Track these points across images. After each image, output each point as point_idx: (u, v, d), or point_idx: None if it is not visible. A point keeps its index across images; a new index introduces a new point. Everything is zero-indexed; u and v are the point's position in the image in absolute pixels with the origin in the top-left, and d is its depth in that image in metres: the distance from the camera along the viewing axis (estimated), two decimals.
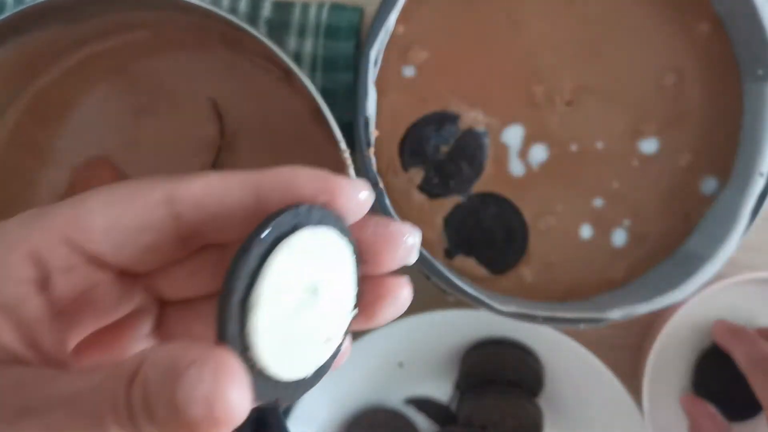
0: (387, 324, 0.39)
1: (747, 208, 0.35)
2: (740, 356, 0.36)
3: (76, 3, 0.35)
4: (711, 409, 0.37)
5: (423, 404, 0.45)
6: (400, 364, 0.43)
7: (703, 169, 0.38)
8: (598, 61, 0.37)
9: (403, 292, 0.18)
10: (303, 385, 0.16)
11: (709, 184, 0.38)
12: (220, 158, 0.39)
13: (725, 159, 0.37)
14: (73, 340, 0.17)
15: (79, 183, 0.40)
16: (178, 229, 0.16)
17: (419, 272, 0.36)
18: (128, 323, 0.18)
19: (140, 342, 0.18)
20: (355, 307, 0.17)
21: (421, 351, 0.42)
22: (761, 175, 0.35)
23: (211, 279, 0.18)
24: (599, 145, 0.38)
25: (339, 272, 0.16)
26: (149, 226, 0.16)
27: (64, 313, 0.16)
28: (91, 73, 0.40)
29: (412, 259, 0.17)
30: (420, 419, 0.44)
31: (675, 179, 0.38)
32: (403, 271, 0.18)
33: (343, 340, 0.17)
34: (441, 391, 0.45)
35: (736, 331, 0.37)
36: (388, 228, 0.17)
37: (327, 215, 0.16)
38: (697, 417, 0.36)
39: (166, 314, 0.18)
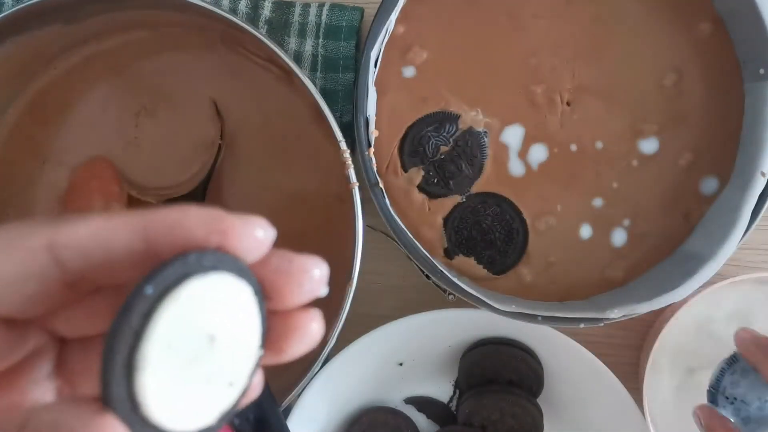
0: (387, 324, 0.39)
1: (747, 208, 0.34)
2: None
3: (76, 3, 0.35)
4: (729, 423, 0.35)
5: (423, 404, 0.45)
6: (400, 364, 0.43)
7: (703, 169, 0.38)
8: (598, 61, 0.37)
9: (311, 326, 0.17)
10: (207, 431, 0.16)
11: (709, 184, 0.38)
12: (219, 158, 0.39)
13: (725, 159, 0.37)
14: None
15: (79, 183, 0.40)
16: (63, 275, 0.15)
17: (419, 272, 0.36)
18: (25, 366, 0.17)
19: (40, 383, 0.17)
20: (262, 346, 0.17)
21: (421, 351, 0.42)
22: (762, 174, 0.35)
23: (109, 317, 0.17)
24: (599, 145, 0.38)
25: (239, 315, 0.16)
26: (31, 276, 0.15)
27: None
28: (91, 73, 0.40)
29: (323, 291, 0.17)
30: (420, 419, 0.44)
31: (675, 179, 0.38)
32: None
33: (249, 380, 0.17)
34: (441, 391, 0.45)
35: (765, 345, 0.34)
36: (291, 263, 0.16)
37: (221, 259, 0.15)
38: (714, 430, 0.35)
39: (66, 351, 0.17)
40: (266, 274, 0.16)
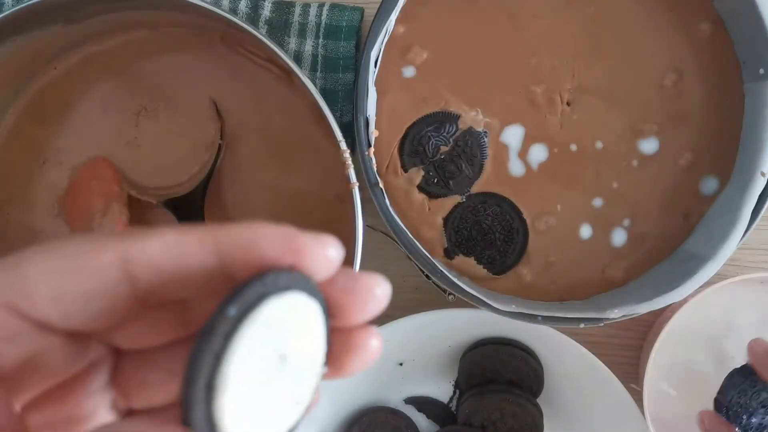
0: (387, 324, 0.39)
1: (747, 208, 0.34)
2: None
3: (76, 3, 0.35)
4: (732, 429, 0.35)
5: (423, 404, 0.45)
6: (400, 364, 0.43)
7: (703, 169, 0.38)
8: (598, 61, 0.37)
9: (371, 343, 0.17)
10: None
11: (709, 184, 0.38)
12: (219, 158, 0.39)
13: (725, 159, 0.37)
14: (21, 402, 0.16)
15: (79, 183, 0.40)
16: (134, 290, 0.15)
17: (419, 272, 0.36)
18: (82, 377, 0.17)
19: (95, 395, 0.17)
20: (326, 363, 0.17)
21: (421, 351, 0.42)
22: (762, 174, 0.35)
23: (169, 331, 0.17)
24: (599, 145, 0.38)
25: (309, 335, 0.16)
26: (101, 291, 0.15)
27: (9, 379, 0.15)
28: (91, 73, 0.40)
29: (381, 308, 0.17)
30: (420, 419, 0.44)
31: (675, 179, 0.38)
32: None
33: (312, 397, 0.17)
34: (441, 391, 0.45)
35: None
36: (357, 282, 0.16)
37: (295, 278, 0.15)
38: None
39: (122, 363, 0.17)
40: (332, 293, 0.16)
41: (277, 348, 0.15)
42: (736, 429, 0.34)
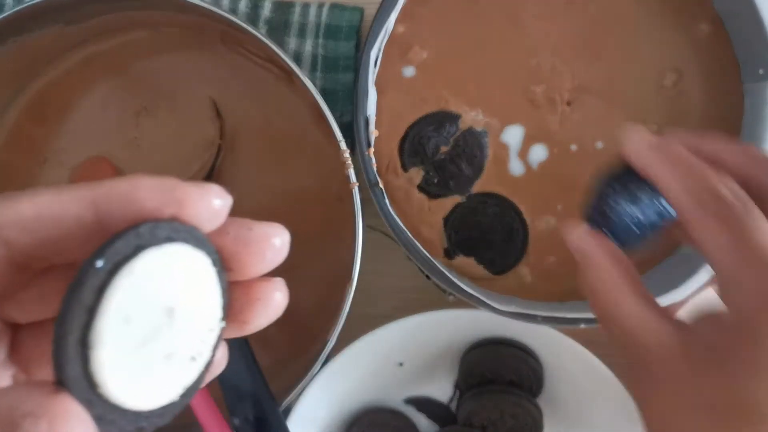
0: (387, 324, 0.39)
1: None
2: (676, 192, 0.23)
3: (76, 3, 0.35)
4: (613, 246, 0.25)
5: (423, 404, 0.45)
6: (400, 364, 0.43)
7: None
8: (598, 61, 0.37)
9: (275, 295, 0.16)
10: (171, 408, 0.15)
11: None
12: (219, 158, 0.39)
13: None
14: None
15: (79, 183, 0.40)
16: (10, 256, 0.14)
17: (419, 272, 0.36)
18: None
19: None
20: (224, 318, 0.16)
21: (421, 351, 0.42)
22: None
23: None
24: (599, 145, 0.38)
25: (198, 287, 0.15)
26: None
27: None
28: (91, 73, 0.40)
29: (280, 258, 0.16)
30: (420, 419, 0.44)
31: None
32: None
33: (213, 354, 0.16)
34: (441, 391, 0.45)
35: (667, 149, 0.24)
36: (251, 231, 0.16)
37: (176, 229, 0.14)
38: (594, 256, 0.25)
39: (20, 337, 0.17)
40: (225, 244, 0.16)
41: (162, 301, 0.14)
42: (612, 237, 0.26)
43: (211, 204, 0.15)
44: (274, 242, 0.16)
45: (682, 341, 0.22)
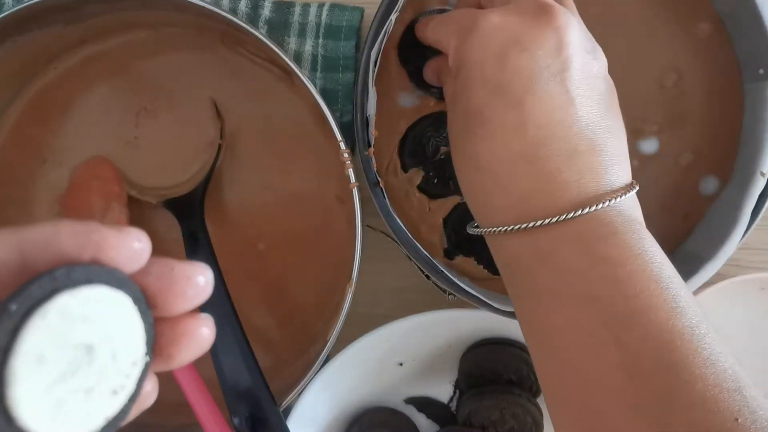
0: (387, 324, 0.39)
1: (747, 208, 0.34)
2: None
3: (76, 3, 0.35)
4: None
5: (423, 404, 0.45)
6: (400, 364, 0.43)
7: (703, 169, 0.38)
8: None
9: (201, 331, 0.17)
10: None
11: (709, 184, 0.38)
12: (219, 158, 0.39)
13: (725, 159, 0.37)
14: None
15: (79, 183, 0.40)
16: None
17: (419, 272, 0.36)
18: None
19: None
20: (148, 353, 0.17)
21: (421, 351, 0.42)
22: (762, 174, 0.35)
23: None
24: None
25: (118, 325, 0.16)
26: None
27: None
28: (91, 73, 0.40)
29: (204, 296, 0.17)
30: (420, 419, 0.44)
31: (675, 179, 0.38)
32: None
33: (138, 387, 0.17)
34: (441, 391, 0.45)
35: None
36: (172, 271, 0.17)
37: (94, 271, 0.15)
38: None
39: None
40: (148, 283, 0.17)
41: (79, 339, 0.15)
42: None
43: (131, 247, 0.16)
44: (197, 281, 0.17)
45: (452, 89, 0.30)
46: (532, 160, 0.26)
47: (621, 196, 0.26)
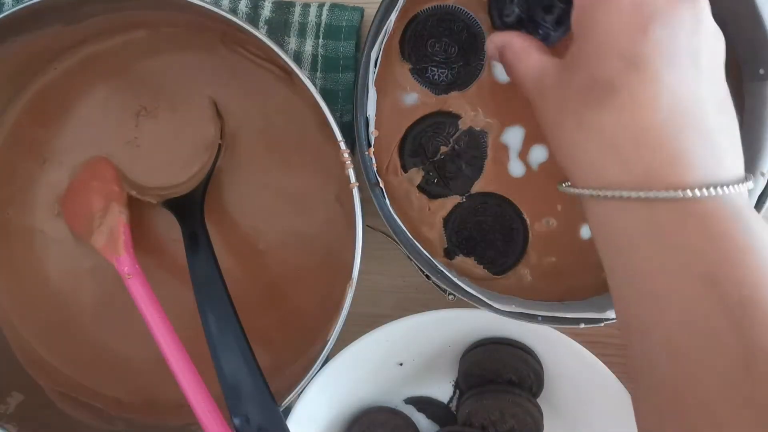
0: (387, 324, 0.39)
1: None
2: None
3: (76, 3, 0.35)
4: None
5: (423, 404, 0.45)
6: (400, 364, 0.43)
7: None
8: None
9: None
10: None
11: None
12: (219, 158, 0.39)
13: None
14: None
15: (79, 183, 0.40)
16: None
17: (419, 272, 0.36)
18: None
19: None
20: None
21: (421, 351, 0.42)
22: (762, 174, 0.35)
23: None
24: None
25: None
26: None
27: None
28: (91, 73, 0.40)
29: None
30: (420, 419, 0.44)
31: None
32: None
33: None
34: (441, 391, 0.45)
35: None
36: None
37: None
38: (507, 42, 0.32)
39: None
40: None
41: None
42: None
43: None
44: None
45: (556, 63, 0.30)
46: (661, 136, 0.26)
47: (746, 181, 0.26)
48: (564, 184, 0.30)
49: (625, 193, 0.26)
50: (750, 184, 0.26)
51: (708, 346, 0.24)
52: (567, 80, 0.28)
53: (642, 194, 0.25)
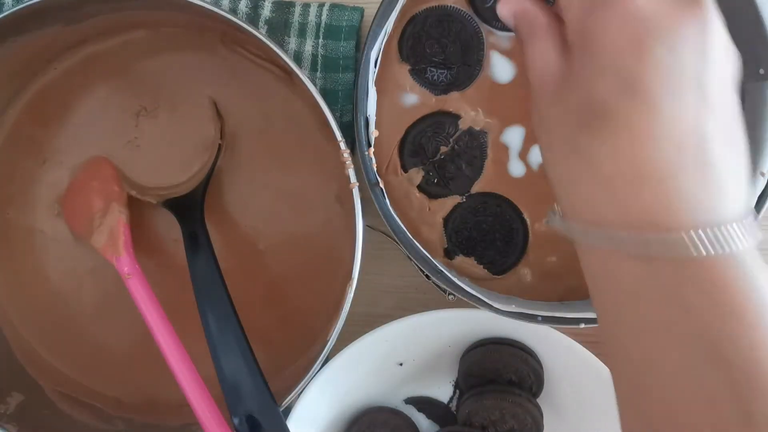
0: (387, 324, 0.39)
1: None
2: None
3: (76, 3, 0.35)
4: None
5: (423, 404, 0.45)
6: (400, 364, 0.43)
7: None
8: None
9: None
10: None
11: None
12: (219, 158, 0.39)
13: None
14: None
15: (79, 183, 0.40)
16: None
17: (419, 272, 0.36)
18: None
19: None
20: None
21: (421, 351, 0.42)
22: (762, 174, 0.34)
23: None
24: None
25: None
26: None
27: None
28: (91, 73, 0.40)
29: None
30: (420, 419, 0.44)
31: None
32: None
33: None
34: (441, 391, 0.45)
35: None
36: None
37: None
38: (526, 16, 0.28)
39: None
40: None
41: None
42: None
43: None
44: None
45: (561, 67, 0.27)
46: (659, 173, 0.23)
47: (749, 222, 0.23)
48: (550, 219, 0.29)
49: (617, 234, 0.24)
50: (757, 236, 0.23)
51: (708, 409, 0.22)
52: (566, 97, 0.26)
53: (634, 234, 0.23)
